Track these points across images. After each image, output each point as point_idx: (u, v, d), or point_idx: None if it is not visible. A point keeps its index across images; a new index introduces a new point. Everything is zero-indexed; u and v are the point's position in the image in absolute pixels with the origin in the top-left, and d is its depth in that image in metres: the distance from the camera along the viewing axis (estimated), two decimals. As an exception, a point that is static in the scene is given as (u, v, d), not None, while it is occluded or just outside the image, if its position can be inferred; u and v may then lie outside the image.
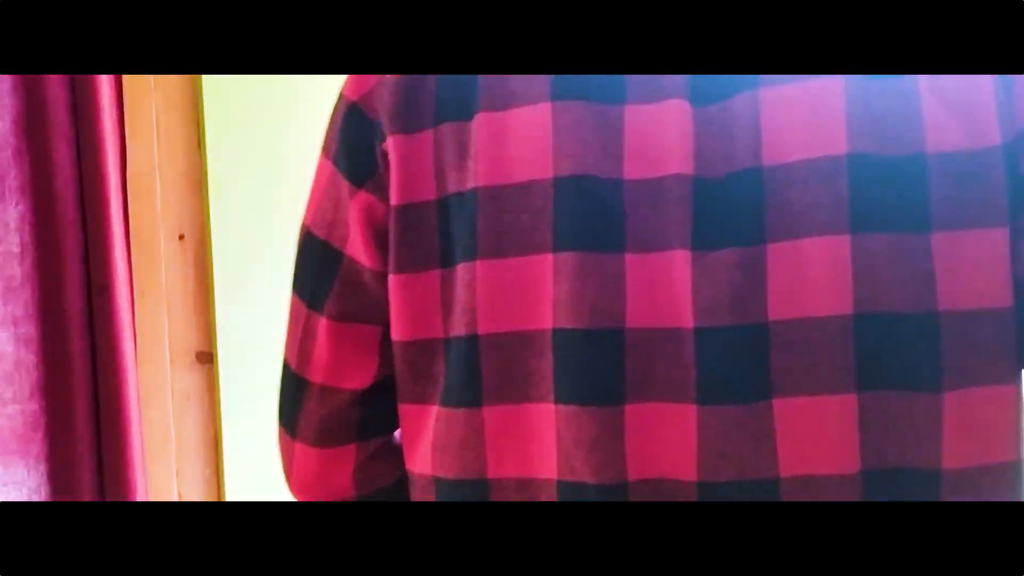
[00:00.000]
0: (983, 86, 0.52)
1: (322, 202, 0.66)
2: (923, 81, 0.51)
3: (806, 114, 0.52)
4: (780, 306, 0.52)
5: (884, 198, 0.51)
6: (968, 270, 0.51)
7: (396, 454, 0.68)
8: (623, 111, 0.55)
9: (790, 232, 0.52)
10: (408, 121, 0.60)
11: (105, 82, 1.09)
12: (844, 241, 0.51)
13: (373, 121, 0.61)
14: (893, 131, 0.51)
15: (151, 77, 1.20)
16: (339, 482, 0.71)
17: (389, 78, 0.61)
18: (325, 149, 0.66)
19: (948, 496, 0.52)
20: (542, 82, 0.56)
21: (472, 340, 0.57)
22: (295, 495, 0.75)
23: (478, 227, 0.56)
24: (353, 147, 0.63)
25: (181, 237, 1.26)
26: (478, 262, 0.57)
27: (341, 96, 0.65)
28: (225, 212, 1.25)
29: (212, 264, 1.25)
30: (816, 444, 0.52)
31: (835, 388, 0.51)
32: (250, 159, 1.25)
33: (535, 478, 0.57)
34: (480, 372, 0.58)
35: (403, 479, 0.68)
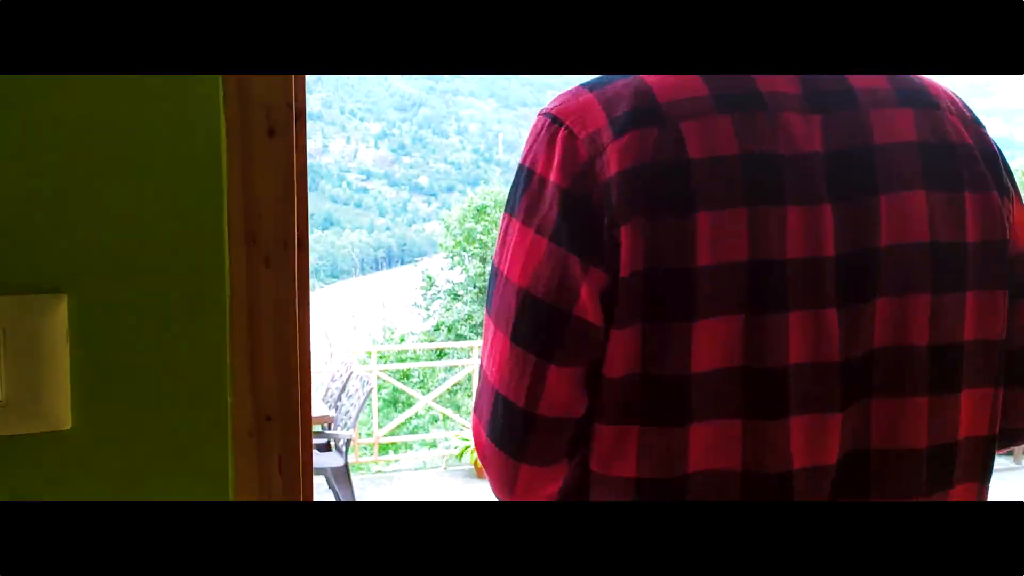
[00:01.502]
0: (995, 202, 0.89)
1: (541, 271, 0.87)
2: (968, 196, 0.88)
3: (906, 213, 0.85)
4: (882, 338, 0.86)
5: (950, 270, 0.86)
6: (987, 313, 0.89)
7: (584, 465, 0.93)
8: (786, 211, 0.83)
9: (895, 290, 0.85)
10: (644, 209, 0.84)
11: None
12: (928, 298, 0.86)
13: (602, 210, 0.85)
14: (952, 228, 0.86)
15: None
16: (551, 490, 0.97)
17: (612, 176, 0.85)
18: (538, 228, 0.88)
19: (960, 457, 0.90)
20: (740, 189, 0.83)
21: (686, 378, 0.84)
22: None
23: (699, 293, 0.83)
24: (581, 231, 0.85)
25: None
26: (707, 320, 0.84)
27: (557, 187, 0.87)
28: None
29: None
30: (900, 428, 0.87)
31: (916, 392, 0.87)
32: None
33: (723, 469, 0.86)
34: (690, 400, 0.85)
35: (584, 484, 0.94)
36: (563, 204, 0.86)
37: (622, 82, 0.89)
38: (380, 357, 9.66)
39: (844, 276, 0.85)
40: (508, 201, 0.92)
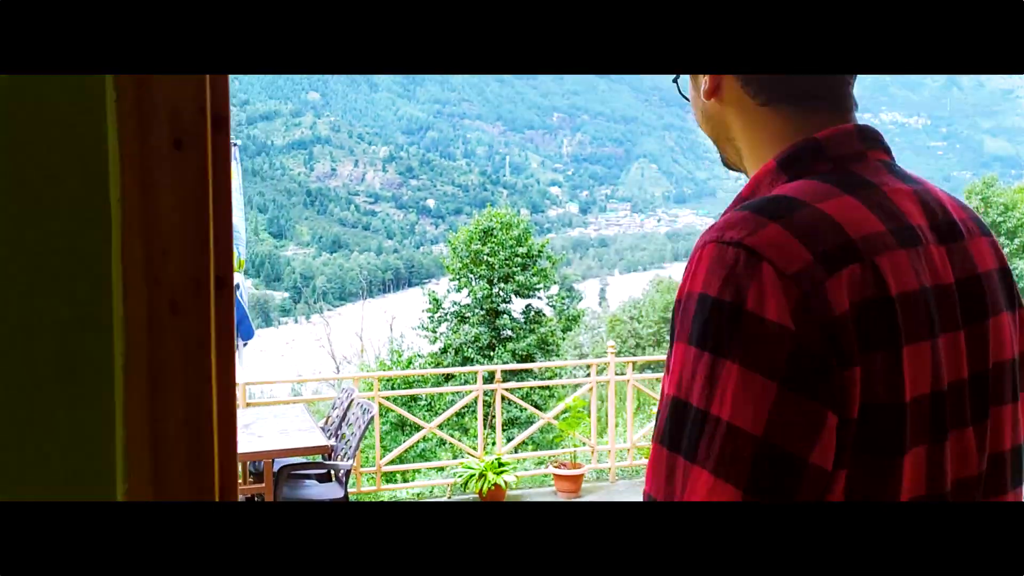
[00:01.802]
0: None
1: (777, 418, 0.88)
2: (1019, 313, 1.02)
3: (1001, 334, 0.99)
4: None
5: (1017, 381, 1.00)
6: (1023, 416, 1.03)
7: None
8: (939, 342, 0.92)
9: (994, 403, 0.97)
10: (866, 348, 0.88)
11: None
12: (1010, 408, 0.99)
13: (829, 351, 0.87)
14: (1017, 343, 1.00)
15: None
16: None
17: (836, 316, 0.87)
18: (766, 371, 0.87)
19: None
20: (925, 323, 0.91)
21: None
22: None
23: (906, 427, 0.89)
24: (814, 374, 0.87)
25: None
26: (909, 453, 0.91)
27: (781, 327, 0.87)
28: None
29: None
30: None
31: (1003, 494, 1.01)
32: None
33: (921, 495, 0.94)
34: None
35: None
36: (790, 346, 0.88)
37: (803, 211, 0.92)
38: (387, 382, 9.46)
39: (973, 397, 0.96)
40: (701, 336, 0.90)
